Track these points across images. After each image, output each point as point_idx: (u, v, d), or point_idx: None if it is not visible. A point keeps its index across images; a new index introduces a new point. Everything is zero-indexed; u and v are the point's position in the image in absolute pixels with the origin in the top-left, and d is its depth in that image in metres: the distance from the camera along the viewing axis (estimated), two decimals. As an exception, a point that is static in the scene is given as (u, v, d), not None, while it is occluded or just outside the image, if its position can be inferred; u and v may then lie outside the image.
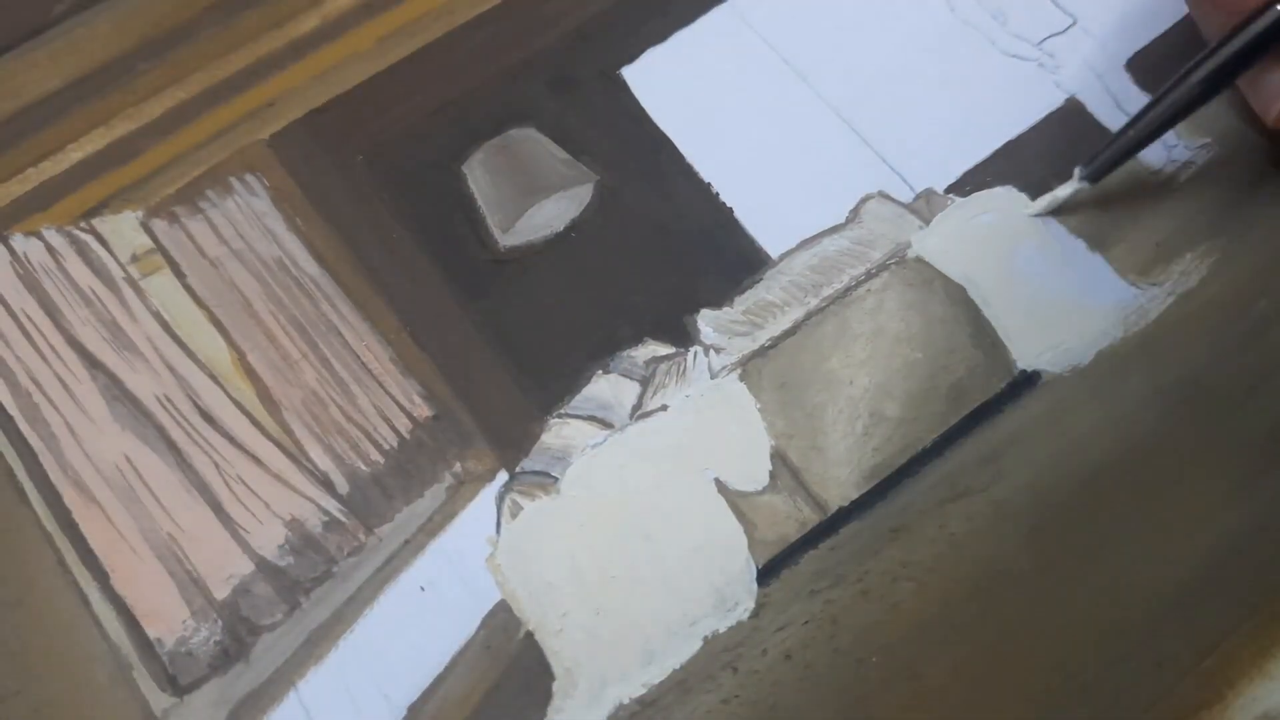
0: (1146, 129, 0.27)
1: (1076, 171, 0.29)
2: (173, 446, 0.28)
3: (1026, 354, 0.28)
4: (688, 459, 0.27)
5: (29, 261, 0.30)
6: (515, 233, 0.31)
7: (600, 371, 0.29)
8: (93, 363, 0.29)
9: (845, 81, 0.32)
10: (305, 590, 0.26)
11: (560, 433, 0.28)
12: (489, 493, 0.27)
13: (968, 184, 0.30)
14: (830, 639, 0.25)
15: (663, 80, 0.33)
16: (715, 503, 0.27)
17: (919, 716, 0.24)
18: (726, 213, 0.31)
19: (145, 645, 0.26)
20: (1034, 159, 0.31)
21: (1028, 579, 0.25)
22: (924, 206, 0.30)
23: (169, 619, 0.26)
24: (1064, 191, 0.29)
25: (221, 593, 0.26)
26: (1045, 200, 0.29)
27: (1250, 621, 0.25)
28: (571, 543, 0.26)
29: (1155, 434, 0.27)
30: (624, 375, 0.28)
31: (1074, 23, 0.33)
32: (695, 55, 0.33)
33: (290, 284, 0.30)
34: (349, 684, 0.25)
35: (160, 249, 0.31)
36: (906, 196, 0.30)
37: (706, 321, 0.29)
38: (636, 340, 0.29)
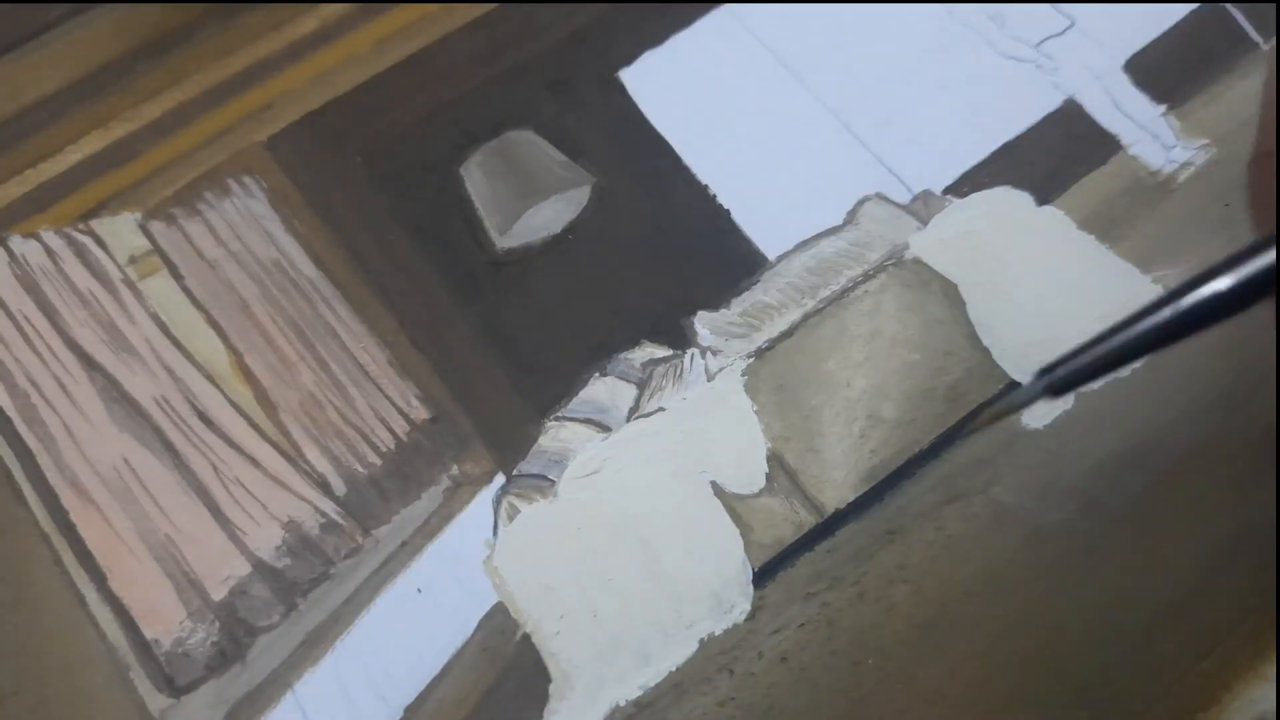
0: (1123, 351, 0.21)
1: (1036, 379, 0.23)
2: (170, 448, 0.28)
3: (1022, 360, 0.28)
4: (684, 462, 0.27)
5: (27, 263, 0.30)
6: (513, 235, 0.31)
7: (597, 374, 0.29)
8: (90, 364, 0.29)
9: (843, 83, 0.32)
10: (302, 592, 0.26)
11: (557, 435, 0.28)
12: (486, 495, 0.27)
13: (966, 185, 0.30)
14: (826, 641, 0.25)
15: (660, 83, 0.33)
16: (712, 505, 0.27)
17: (915, 718, 0.24)
18: (724, 214, 0.31)
19: (142, 646, 0.26)
20: (1032, 160, 0.31)
21: (1024, 581, 0.25)
22: (921, 208, 0.30)
23: (166, 620, 0.26)
24: (1019, 400, 0.23)
25: (219, 594, 0.26)
26: (1001, 407, 0.25)
27: (1246, 625, 0.25)
28: (568, 545, 0.26)
29: (1151, 438, 0.27)
30: (621, 378, 0.28)
31: (1071, 25, 0.33)
32: (693, 58, 0.33)
33: (288, 286, 0.30)
34: (346, 685, 0.25)
35: (158, 251, 0.31)
36: (904, 198, 0.30)
37: (704, 324, 0.29)
38: (634, 343, 0.29)
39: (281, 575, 0.26)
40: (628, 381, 0.28)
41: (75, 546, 0.27)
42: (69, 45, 0.34)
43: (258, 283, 0.30)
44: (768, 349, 0.29)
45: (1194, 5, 0.32)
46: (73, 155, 0.32)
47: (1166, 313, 0.21)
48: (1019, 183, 0.30)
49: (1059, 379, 0.22)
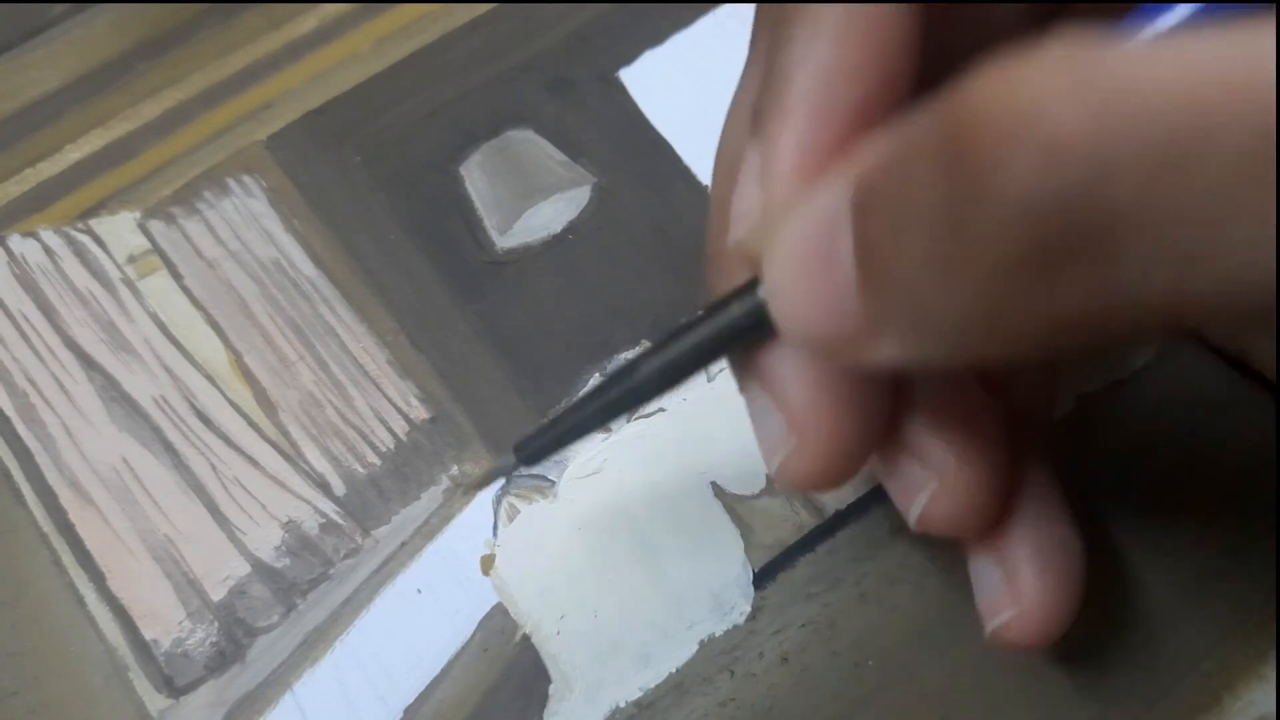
0: (590, 419, 0.22)
1: (512, 452, 0.23)
2: (169, 448, 0.28)
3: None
4: (684, 462, 0.27)
5: (26, 262, 0.30)
6: (512, 234, 0.31)
7: (597, 374, 0.29)
8: (89, 364, 0.29)
9: (843, 84, 0.32)
10: (301, 592, 0.26)
11: (557, 435, 0.28)
12: (486, 496, 0.27)
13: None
14: (827, 642, 0.25)
15: (661, 82, 0.33)
16: (712, 506, 0.27)
17: (916, 719, 0.24)
18: (724, 215, 0.30)
19: (141, 646, 0.26)
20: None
21: (1025, 582, 0.25)
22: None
23: (165, 620, 0.26)
24: (499, 472, 0.25)
25: (218, 594, 0.26)
26: (479, 478, 0.26)
27: (1247, 625, 0.25)
28: (568, 546, 0.26)
29: (1153, 439, 0.27)
30: (621, 378, 0.28)
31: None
32: (693, 57, 0.33)
33: (287, 285, 0.30)
34: (345, 686, 0.25)
35: (157, 250, 0.31)
36: (904, 199, 0.30)
37: (704, 324, 0.29)
38: (634, 343, 0.29)
39: (281, 575, 0.26)
40: (628, 382, 0.28)
41: (74, 547, 0.27)
42: (68, 44, 0.34)
43: (257, 282, 0.30)
44: (768, 349, 0.28)
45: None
46: (71, 154, 0.32)
47: (626, 385, 0.21)
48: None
49: (530, 451, 0.23)
